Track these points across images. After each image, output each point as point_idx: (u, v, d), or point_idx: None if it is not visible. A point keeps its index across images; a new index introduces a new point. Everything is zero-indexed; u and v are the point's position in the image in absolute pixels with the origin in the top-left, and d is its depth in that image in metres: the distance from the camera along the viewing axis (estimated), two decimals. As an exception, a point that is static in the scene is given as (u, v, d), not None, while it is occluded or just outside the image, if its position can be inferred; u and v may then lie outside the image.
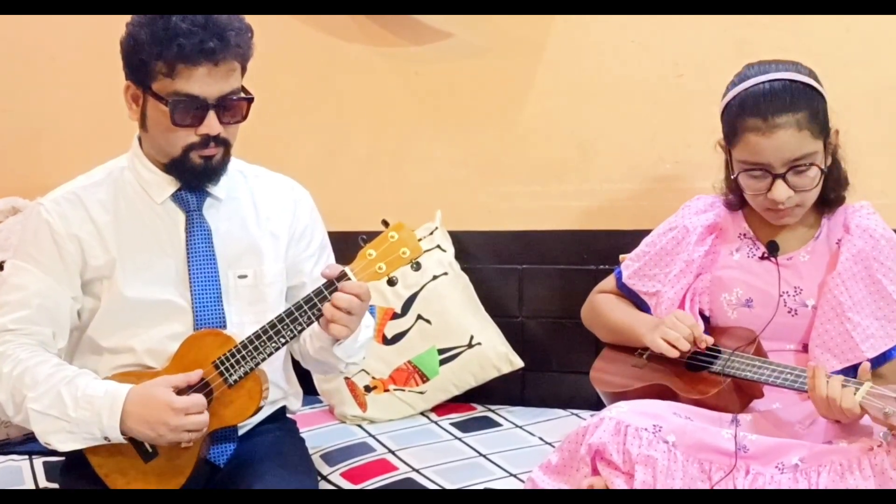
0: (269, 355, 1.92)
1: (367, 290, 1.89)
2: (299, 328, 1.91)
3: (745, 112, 1.98)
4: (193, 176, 2.01)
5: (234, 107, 1.97)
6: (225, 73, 1.93)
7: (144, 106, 1.97)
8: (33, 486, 2.28)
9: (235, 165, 2.10)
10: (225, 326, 2.02)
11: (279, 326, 1.91)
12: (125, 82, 1.99)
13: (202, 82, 1.91)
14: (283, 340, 1.91)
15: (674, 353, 1.99)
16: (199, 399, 1.89)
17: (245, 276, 2.07)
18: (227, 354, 1.92)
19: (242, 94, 1.98)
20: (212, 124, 1.94)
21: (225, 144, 1.99)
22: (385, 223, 1.90)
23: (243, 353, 1.91)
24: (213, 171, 2.01)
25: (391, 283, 1.92)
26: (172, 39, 1.87)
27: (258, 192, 2.14)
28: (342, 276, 1.88)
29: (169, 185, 2.04)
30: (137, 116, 2.00)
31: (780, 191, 1.98)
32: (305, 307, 1.90)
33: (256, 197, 2.13)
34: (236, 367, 1.91)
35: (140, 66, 1.92)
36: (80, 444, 1.92)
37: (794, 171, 1.97)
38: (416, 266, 1.94)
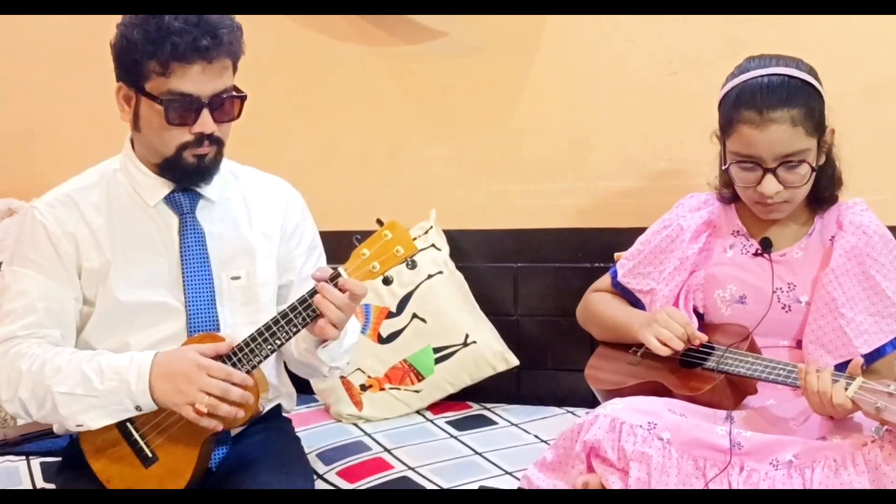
0: (265, 358, 1.92)
1: (362, 286, 1.88)
2: (294, 330, 1.91)
3: (741, 104, 1.98)
4: (187, 175, 2.01)
5: (227, 105, 1.97)
6: (218, 72, 1.94)
7: (137, 107, 1.97)
8: (30, 487, 2.28)
9: (227, 167, 2.10)
10: (218, 328, 2.02)
11: (274, 328, 1.91)
12: (116, 84, 1.99)
13: (196, 81, 1.91)
14: (278, 343, 1.91)
15: (667, 352, 2.00)
16: (224, 366, 1.88)
17: (238, 278, 2.07)
18: (224, 358, 1.91)
19: (235, 93, 1.98)
20: (206, 122, 1.94)
21: (218, 143, 2.00)
22: (379, 222, 1.90)
23: (239, 356, 1.91)
24: (206, 170, 2.01)
25: (386, 282, 1.92)
26: (166, 38, 1.88)
27: (249, 193, 2.15)
28: (335, 277, 1.88)
29: (161, 187, 2.04)
30: (130, 118, 2.01)
31: (770, 185, 1.98)
32: (300, 307, 1.90)
33: (248, 198, 2.14)
34: None
35: (133, 66, 1.93)
36: (111, 418, 1.92)
37: (784, 167, 1.98)
38: (412, 264, 1.94)
